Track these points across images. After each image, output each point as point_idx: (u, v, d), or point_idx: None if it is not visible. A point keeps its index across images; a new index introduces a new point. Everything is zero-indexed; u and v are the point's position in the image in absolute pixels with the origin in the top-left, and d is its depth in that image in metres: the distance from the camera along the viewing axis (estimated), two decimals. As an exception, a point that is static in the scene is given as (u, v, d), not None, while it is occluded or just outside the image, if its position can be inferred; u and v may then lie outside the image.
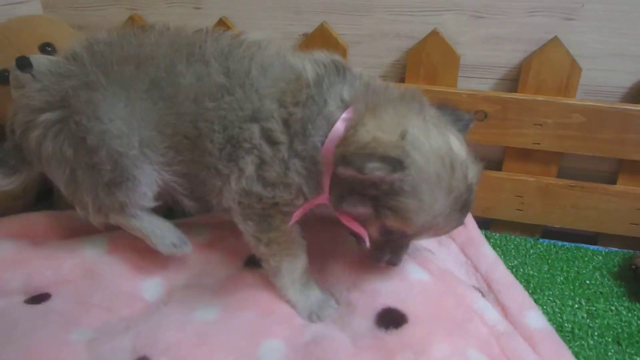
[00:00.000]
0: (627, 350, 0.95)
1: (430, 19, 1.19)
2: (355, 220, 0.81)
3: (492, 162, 1.27)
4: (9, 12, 1.32)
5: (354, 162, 0.70)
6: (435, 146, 0.74)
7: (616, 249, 1.23)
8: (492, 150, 1.25)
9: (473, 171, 0.78)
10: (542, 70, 1.14)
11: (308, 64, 0.83)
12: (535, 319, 0.92)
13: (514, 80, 1.20)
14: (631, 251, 1.19)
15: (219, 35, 0.89)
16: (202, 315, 0.88)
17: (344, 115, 0.79)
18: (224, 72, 0.84)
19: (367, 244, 0.82)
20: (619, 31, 1.11)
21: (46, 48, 1.13)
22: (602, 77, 1.15)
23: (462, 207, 0.77)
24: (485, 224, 1.30)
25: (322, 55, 0.86)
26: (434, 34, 1.18)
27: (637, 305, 1.05)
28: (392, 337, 0.80)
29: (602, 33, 1.12)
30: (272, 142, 0.80)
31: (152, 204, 0.93)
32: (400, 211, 0.74)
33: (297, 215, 0.83)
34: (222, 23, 1.33)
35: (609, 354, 0.94)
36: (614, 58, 1.13)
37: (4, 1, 1.34)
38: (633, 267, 1.12)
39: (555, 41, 1.12)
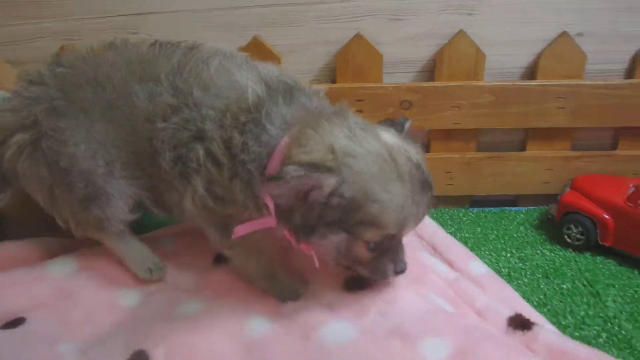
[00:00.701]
0: (555, 281, 1.11)
1: (353, 24, 1.31)
2: (327, 250, 0.80)
3: (419, 145, 1.41)
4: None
5: (273, 176, 0.70)
6: (367, 147, 0.73)
7: (534, 207, 1.41)
8: (418, 134, 1.39)
9: (414, 151, 0.78)
10: (453, 60, 1.30)
11: (251, 84, 0.80)
12: (477, 267, 1.06)
13: (431, 71, 1.35)
14: (547, 206, 1.37)
15: (172, 50, 0.88)
16: (186, 310, 0.91)
17: (282, 143, 0.76)
18: (172, 91, 0.82)
19: (317, 264, 0.83)
20: (512, 21, 1.30)
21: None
22: (503, 60, 1.33)
23: (422, 186, 0.76)
24: (423, 201, 1.43)
25: (271, 73, 0.84)
26: (358, 37, 1.30)
27: (557, 246, 1.23)
28: (364, 295, 0.89)
29: (498, 24, 1.30)
30: (216, 163, 0.78)
31: (129, 216, 0.94)
32: (369, 220, 0.72)
33: (244, 228, 0.81)
34: (159, 45, 1.38)
35: (541, 286, 1.09)
36: (511, 44, 1.32)
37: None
38: (549, 215, 1.30)
39: (461, 34, 1.28)
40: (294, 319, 0.87)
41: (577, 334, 0.96)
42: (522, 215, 1.38)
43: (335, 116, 0.78)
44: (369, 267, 0.82)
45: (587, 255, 1.20)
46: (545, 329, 0.85)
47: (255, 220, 0.81)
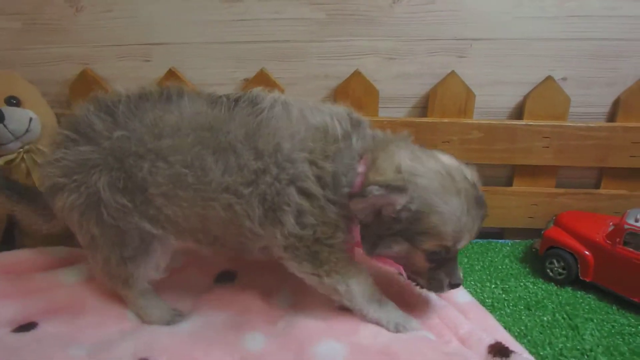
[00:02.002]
0: (536, 313, 1.13)
1: (353, 62, 1.37)
2: (393, 259, 0.87)
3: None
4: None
5: (357, 193, 0.79)
6: (429, 166, 0.81)
7: (519, 240, 1.44)
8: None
9: (470, 172, 0.86)
10: (444, 98, 1.36)
11: (334, 121, 0.85)
12: (462, 295, 1.09)
13: (424, 107, 1.40)
14: (532, 240, 1.40)
15: (237, 111, 0.84)
16: (187, 326, 0.94)
17: (360, 168, 0.84)
18: (254, 156, 0.82)
19: (405, 275, 0.88)
20: (500, 64, 1.35)
21: (11, 100, 1.19)
22: (492, 100, 1.38)
23: (477, 202, 0.82)
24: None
25: (340, 110, 0.89)
26: (357, 73, 1.36)
27: (540, 279, 1.25)
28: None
29: (487, 66, 1.36)
30: (307, 196, 0.82)
31: (157, 275, 0.94)
32: (430, 230, 0.79)
33: (354, 233, 0.87)
34: (171, 73, 1.42)
35: (522, 317, 1.11)
36: (499, 85, 1.37)
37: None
38: (534, 249, 1.33)
39: (452, 74, 1.34)
40: (287, 332, 0.90)
41: (554, 364, 0.99)
42: (507, 248, 1.41)
43: (400, 141, 0.87)
44: (426, 278, 0.88)
45: (569, 289, 1.22)
46: (523, 357, 0.87)
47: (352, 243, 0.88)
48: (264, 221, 0.85)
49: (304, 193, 0.82)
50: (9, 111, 1.12)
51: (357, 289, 0.89)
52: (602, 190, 1.42)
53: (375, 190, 0.77)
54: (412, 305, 1.00)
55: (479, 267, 1.31)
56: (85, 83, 1.45)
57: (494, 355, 0.87)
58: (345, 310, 0.93)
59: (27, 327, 0.93)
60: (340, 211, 0.84)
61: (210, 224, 0.87)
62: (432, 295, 1.04)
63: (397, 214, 0.79)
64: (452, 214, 0.79)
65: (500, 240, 1.45)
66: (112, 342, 0.89)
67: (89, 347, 0.87)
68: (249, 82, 1.42)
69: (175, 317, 0.97)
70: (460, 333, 0.94)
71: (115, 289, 0.96)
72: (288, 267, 0.90)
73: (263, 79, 1.40)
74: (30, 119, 1.21)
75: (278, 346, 0.87)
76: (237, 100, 0.86)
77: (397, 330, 0.89)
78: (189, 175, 0.82)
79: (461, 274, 0.90)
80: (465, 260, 1.34)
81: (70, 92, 1.47)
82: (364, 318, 0.90)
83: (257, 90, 0.89)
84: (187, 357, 0.84)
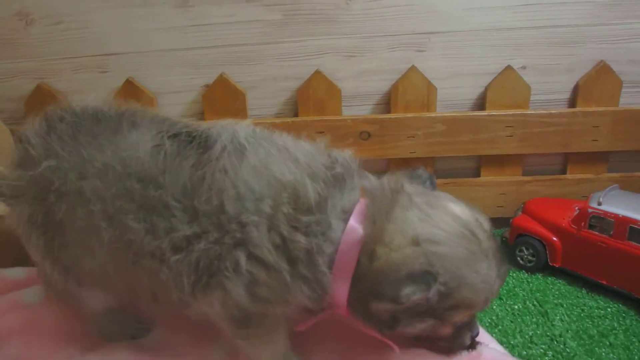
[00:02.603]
0: (507, 302, 1.13)
1: (312, 62, 1.35)
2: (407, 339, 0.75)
3: (380, 173, 1.44)
4: None
5: (386, 293, 0.63)
6: (447, 228, 0.67)
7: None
8: (378, 163, 1.43)
9: (484, 219, 0.72)
10: (407, 92, 1.35)
11: (302, 180, 0.67)
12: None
13: (387, 103, 1.39)
14: (501, 229, 1.39)
15: (180, 160, 0.69)
16: (152, 339, 0.92)
17: (347, 232, 0.68)
18: (188, 218, 0.67)
19: (396, 350, 0.76)
20: (459, 57, 1.35)
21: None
22: (454, 92, 1.38)
23: (500, 256, 0.71)
24: (384, 226, 1.46)
25: (315, 160, 0.70)
26: (317, 73, 1.34)
27: (511, 268, 1.25)
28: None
29: (447, 59, 1.35)
30: (264, 266, 0.67)
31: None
32: (460, 304, 0.67)
33: (308, 323, 0.77)
34: (129, 83, 1.39)
35: (494, 307, 1.11)
36: (460, 77, 1.37)
37: None
38: (503, 238, 1.33)
39: (413, 69, 1.33)
40: None
41: (525, 352, 0.99)
42: (478, 238, 1.41)
43: (399, 196, 0.70)
44: (448, 342, 0.78)
45: (539, 276, 1.22)
46: (489, 348, 0.86)
47: (320, 315, 0.76)
48: (197, 290, 0.70)
49: (258, 261, 0.66)
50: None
51: (266, 355, 0.78)
52: (568, 176, 1.43)
53: (412, 295, 0.61)
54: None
55: (451, 259, 1.31)
56: (41, 98, 1.41)
57: None
58: None
59: None
60: (318, 291, 0.68)
61: (136, 286, 0.75)
62: None
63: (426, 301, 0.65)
64: (483, 282, 0.67)
65: (471, 231, 1.45)
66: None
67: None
68: (209, 88, 1.39)
69: (140, 331, 0.92)
70: None
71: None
72: (219, 326, 0.77)
73: (223, 84, 1.37)
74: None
75: None
76: (190, 142, 0.72)
77: None
78: (107, 230, 0.70)
79: (478, 326, 0.80)
80: (437, 253, 1.34)
81: (25, 107, 1.43)
82: None
83: (218, 127, 0.74)
84: None
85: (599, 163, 1.42)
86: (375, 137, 1.36)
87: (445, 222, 0.67)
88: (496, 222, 1.42)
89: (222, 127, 0.73)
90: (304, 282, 0.67)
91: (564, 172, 1.44)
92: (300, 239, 0.65)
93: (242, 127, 0.73)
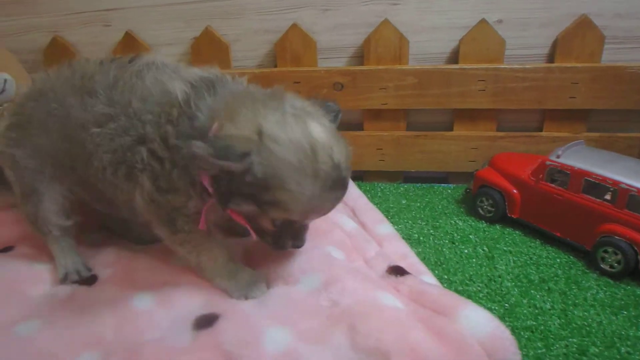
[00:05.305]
0: (459, 246, 1.14)
1: (290, 16, 1.38)
2: (243, 217, 0.82)
3: (355, 123, 1.46)
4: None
5: (198, 143, 0.70)
6: (293, 136, 0.72)
7: (462, 185, 1.43)
8: (353, 114, 1.45)
9: (338, 150, 0.75)
10: (379, 46, 1.35)
11: (179, 86, 0.82)
12: (383, 228, 1.10)
13: (360, 56, 1.39)
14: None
15: (109, 66, 0.89)
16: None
17: (215, 124, 0.77)
18: (108, 102, 0.85)
19: (254, 236, 0.84)
20: (433, 10, 1.33)
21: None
22: (427, 46, 1.37)
23: (334, 185, 0.74)
24: (358, 177, 1.49)
25: (194, 74, 0.85)
26: (294, 26, 1.36)
27: (471, 218, 1.26)
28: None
29: (420, 12, 1.34)
30: (158, 159, 0.80)
31: (63, 221, 0.98)
32: (277, 203, 0.73)
33: (202, 218, 0.83)
34: (128, 36, 1.48)
35: (444, 250, 1.13)
36: (433, 31, 1.35)
37: None
38: (468, 190, 1.32)
39: (385, 22, 1.33)
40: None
41: (461, 288, 1.00)
42: (449, 191, 1.41)
43: (271, 100, 0.77)
44: (271, 239, 0.85)
45: (498, 226, 1.22)
46: (416, 277, 0.88)
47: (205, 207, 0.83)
48: (119, 173, 0.85)
49: (153, 155, 0.80)
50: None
51: (207, 264, 0.88)
52: (543, 133, 1.39)
53: (195, 147, 0.69)
54: (327, 231, 1.01)
55: (415, 207, 1.32)
56: (57, 49, 1.54)
57: (390, 274, 0.88)
58: None
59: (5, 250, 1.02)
60: (188, 177, 0.79)
61: (74, 161, 0.91)
62: (352, 225, 1.06)
63: (241, 175, 0.71)
64: (302, 194, 0.72)
65: (443, 185, 1.45)
66: None
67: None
68: (196, 40, 1.44)
69: (75, 274, 0.97)
70: (367, 256, 0.96)
71: (36, 233, 1.00)
72: (158, 234, 0.89)
73: (209, 36, 1.42)
74: (5, 81, 1.30)
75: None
76: (117, 60, 0.90)
77: (244, 298, 0.87)
78: (56, 110, 0.90)
79: (306, 237, 0.86)
80: (404, 202, 1.35)
81: (44, 58, 1.56)
82: (214, 286, 0.89)
83: (150, 56, 0.92)
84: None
85: (578, 122, 1.37)
86: (348, 89, 1.37)
87: (294, 131, 0.72)
88: (469, 176, 1.42)
89: (148, 56, 0.91)
90: (178, 168, 0.79)
91: (540, 129, 1.41)
92: (170, 129, 0.79)
93: (158, 57, 0.91)
